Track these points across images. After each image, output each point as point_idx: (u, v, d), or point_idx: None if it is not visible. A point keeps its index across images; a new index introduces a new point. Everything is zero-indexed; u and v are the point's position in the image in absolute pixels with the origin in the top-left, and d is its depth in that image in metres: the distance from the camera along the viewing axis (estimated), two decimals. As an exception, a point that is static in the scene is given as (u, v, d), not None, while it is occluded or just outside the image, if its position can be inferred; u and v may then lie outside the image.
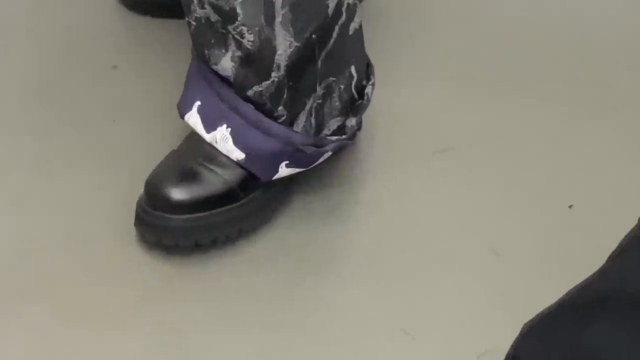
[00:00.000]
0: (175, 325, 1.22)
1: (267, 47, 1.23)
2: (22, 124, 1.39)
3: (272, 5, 1.22)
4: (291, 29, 1.24)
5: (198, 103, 1.28)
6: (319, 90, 1.28)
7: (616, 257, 0.89)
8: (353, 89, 1.31)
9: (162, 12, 1.50)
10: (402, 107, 1.42)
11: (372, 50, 1.39)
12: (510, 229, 1.33)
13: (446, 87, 1.47)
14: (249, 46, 1.24)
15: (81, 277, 1.25)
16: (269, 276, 1.26)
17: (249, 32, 1.23)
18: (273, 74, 1.24)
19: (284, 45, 1.24)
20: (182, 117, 1.30)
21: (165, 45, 1.47)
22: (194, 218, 1.28)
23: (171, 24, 1.46)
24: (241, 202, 1.31)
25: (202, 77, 1.29)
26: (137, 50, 1.48)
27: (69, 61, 1.47)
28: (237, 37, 1.24)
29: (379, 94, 1.33)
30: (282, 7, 1.23)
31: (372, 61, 1.34)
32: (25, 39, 1.50)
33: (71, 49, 1.47)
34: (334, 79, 1.28)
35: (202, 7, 1.24)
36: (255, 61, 1.25)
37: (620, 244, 0.90)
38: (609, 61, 1.52)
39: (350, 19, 1.28)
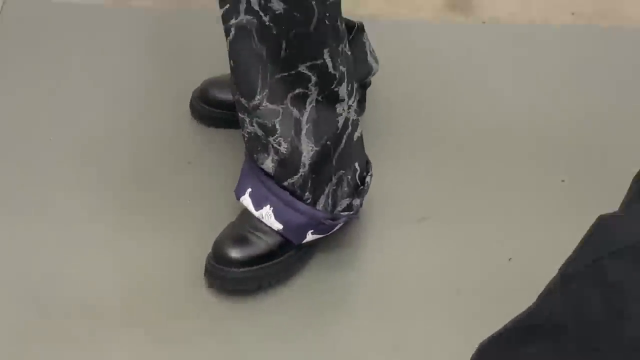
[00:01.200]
0: (231, 343, 1.24)
1: (296, 152, 1.23)
2: (120, 202, 1.38)
3: (300, 122, 1.22)
4: (312, 138, 1.23)
5: (249, 189, 1.27)
6: (334, 180, 1.26)
7: (544, 296, 0.85)
8: (357, 179, 1.29)
9: (225, 124, 1.48)
10: (391, 183, 1.40)
11: (371, 140, 1.36)
12: (469, 274, 1.31)
13: (427, 167, 1.45)
14: (283, 151, 1.23)
15: (166, 310, 1.25)
16: (299, 312, 1.27)
17: (284, 142, 1.22)
18: (300, 170, 1.24)
19: (307, 150, 1.23)
20: (238, 199, 1.29)
21: (227, 148, 1.45)
22: (245, 271, 1.28)
23: (231, 133, 1.44)
24: (279, 259, 1.29)
25: (252, 172, 1.27)
26: (206, 151, 1.45)
27: (155, 157, 1.45)
28: (275, 145, 1.23)
29: (374, 173, 1.33)
30: (306, 123, 1.22)
31: (370, 147, 1.33)
32: (121, 142, 1.47)
33: (157, 149, 1.44)
34: (344, 172, 1.27)
35: (252, 125, 1.23)
36: (288, 162, 1.24)
37: (547, 285, 0.87)
38: (546, 148, 1.48)
39: (354, 130, 1.28)
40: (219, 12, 1.20)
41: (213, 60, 1.49)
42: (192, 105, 1.51)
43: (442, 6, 1.70)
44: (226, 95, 1.45)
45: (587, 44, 1.65)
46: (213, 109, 1.49)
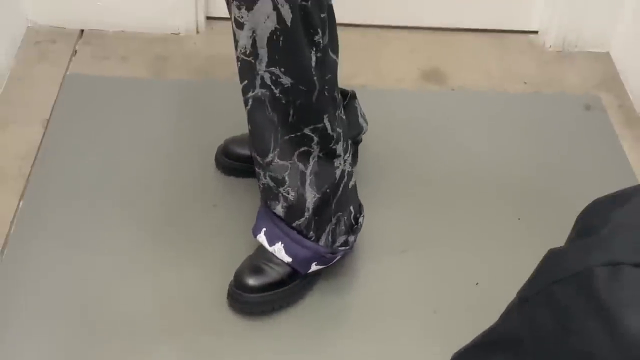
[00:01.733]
0: (249, 354, 1.24)
1: (301, 199, 1.22)
2: (158, 237, 1.36)
3: (304, 174, 1.21)
4: (315, 187, 1.23)
5: (264, 229, 1.27)
6: (333, 220, 1.26)
7: (505, 315, 0.87)
8: (352, 219, 1.29)
9: (243, 175, 1.45)
10: (379, 222, 1.40)
11: (363, 186, 1.36)
12: (443, 296, 1.31)
13: (408, 209, 1.45)
14: (291, 199, 1.22)
15: (196, 327, 1.25)
16: (305, 329, 1.27)
17: (292, 191, 1.22)
18: (305, 214, 1.23)
19: (311, 197, 1.23)
20: (255, 236, 1.28)
21: (245, 195, 1.43)
22: (261, 296, 1.27)
23: (249, 181, 1.43)
24: (289, 286, 1.28)
25: (266, 215, 1.27)
26: (228, 196, 1.43)
27: (186, 201, 1.43)
28: (285, 194, 1.22)
29: (365, 214, 1.32)
30: (310, 175, 1.22)
31: (362, 192, 1.33)
32: (158, 189, 1.45)
33: (187, 194, 1.45)
34: (341, 213, 1.26)
35: (265, 178, 1.23)
36: (295, 207, 1.23)
37: (507, 306, 0.87)
38: (513, 191, 1.48)
39: (349, 179, 1.27)
40: (239, 85, 1.20)
41: (233, 122, 1.49)
42: (216, 159, 1.49)
43: (419, 77, 1.72)
44: (244, 151, 1.46)
45: (537, 107, 1.67)
46: (233, 162, 1.48)
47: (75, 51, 1.72)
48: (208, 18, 1.81)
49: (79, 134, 1.54)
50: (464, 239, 1.41)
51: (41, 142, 1.51)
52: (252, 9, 1.07)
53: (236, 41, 1.12)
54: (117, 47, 1.73)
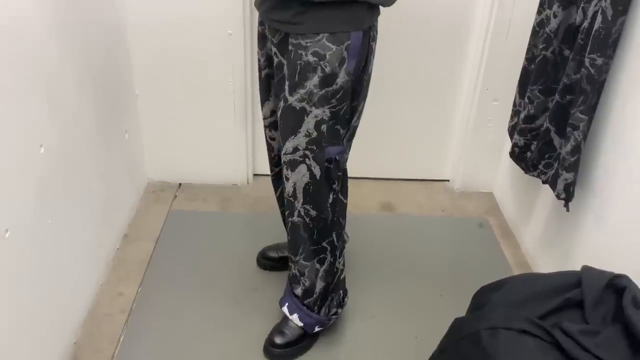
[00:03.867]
0: None
1: (313, 287, 1.17)
2: (219, 311, 1.31)
3: (318, 271, 1.15)
4: (323, 280, 1.16)
5: (287, 304, 1.22)
6: (329, 299, 1.21)
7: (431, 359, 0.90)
8: (340, 299, 1.23)
9: (276, 269, 1.42)
10: (357, 297, 1.35)
11: (348, 277, 1.30)
12: (396, 348, 1.25)
13: (376, 288, 1.39)
14: (307, 285, 1.17)
15: None
16: None
17: (308, 280, 1.16)
18: (314, 296, 1.18)
19: (320, 286, 1.17)
20: (281, 307, 1.23)
21: (277, 284, 1.39)
22: (284, 350, 1.22)
23: (278, 274, 1.41)
24: (302, 343, 1.23)
25: (290, 294, 1.21)
26: (265, 283, 1.40)
27: (236, 286, 1.37)
28: (304, 282, 1.17)
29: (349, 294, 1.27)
30: (321, 272, 1.14)
31: (348, 280, 1.28)
32: (221, 279, 1.39)
33: (237, 283, 1.37)
34: (335, 294, 1.21)
35: (294, 270, 1.17)
36: (309, 291, 1.18)
37: (432, 353, 0.91)
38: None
39: (342, 274, 1.19)
40: (277, 216, 1.16)
41: (270, 236, 1.49)
42: (257, 259, 1.44)
43: (379, 208, 1.70)
44: (276, 254, 1.42)
45: (450, 226, 1.65)
46: (269, 262, 1.43)
47: (175, 196, 1.71)
48: (255, 175, 1.79)
49: (178, 246, 1.52)
50: (412, 307, 1.37)
51: (153, 251, 1.50)
52: (295, 170, 1.04)
53: (284, 188, 1.08)
54: (200, 193, 1.72)
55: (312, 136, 1.00)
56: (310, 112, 0.98)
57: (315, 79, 0.95)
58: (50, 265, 1.11)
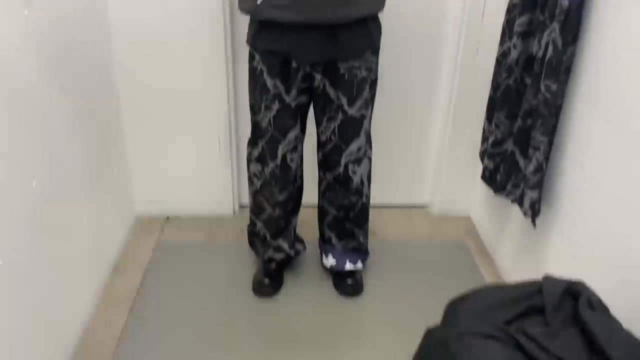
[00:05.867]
0: None
1: (365, 242, 1.34)
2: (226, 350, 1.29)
3: (367, 232, 1.35)
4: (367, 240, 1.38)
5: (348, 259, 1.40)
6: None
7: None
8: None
9: (273, 294, 1.42)
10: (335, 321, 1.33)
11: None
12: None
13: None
14: (361, 240, 1.32)
15: None
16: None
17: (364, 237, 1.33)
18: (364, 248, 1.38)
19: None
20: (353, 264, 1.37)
21: (266, 312, 1.40)
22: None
23: (268, 303, 1.42)
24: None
25: (350, 253, 1.37)
26: (253, 310, 1.40)
27: (229, 308, 1.38)
28: (360, 239, 1.33)
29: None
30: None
31: (332, 299, 1.34)
32: (210, 304, 1.39)
33: (230, 321, 1.35)
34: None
35: (358, 239, 1.31)
36: (364, 246, 1.36)
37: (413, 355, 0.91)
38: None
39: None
40: None
41: (256, 265, 1.47)
42: (253, 286, 1.44)
43: None
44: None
45: (430, 248, 1.61)
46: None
47: (163, 229, 1.72)
48: (241, 207, 1.80)
49: (166, 276, 1.52)
50: (392, 329, 1.36)
51: (142, 281, 1.50)
52: (360, 164, 1.22)
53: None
54: (187, 225, 1.72)
55: (367, 134, 1.22)
56: (366, 116, 1.20)
57: (367, 89, 1.16)
58: (42, 296, 1.11)
